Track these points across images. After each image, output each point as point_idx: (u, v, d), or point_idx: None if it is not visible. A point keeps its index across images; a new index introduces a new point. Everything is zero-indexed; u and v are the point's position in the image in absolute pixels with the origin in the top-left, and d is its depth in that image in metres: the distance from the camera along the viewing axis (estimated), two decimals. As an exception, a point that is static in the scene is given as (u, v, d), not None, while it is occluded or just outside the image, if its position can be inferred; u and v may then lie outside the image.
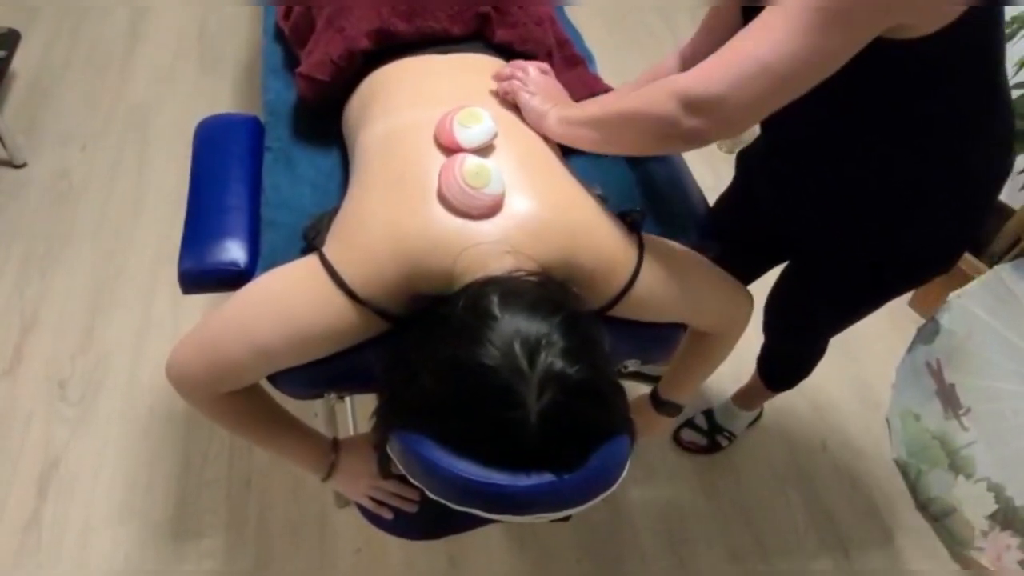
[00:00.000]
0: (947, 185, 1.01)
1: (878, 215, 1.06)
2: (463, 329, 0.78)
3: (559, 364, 0.74)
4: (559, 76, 1.33)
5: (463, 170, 0.88)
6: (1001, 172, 1.04)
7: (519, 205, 0.90)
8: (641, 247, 0.97)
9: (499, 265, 0.85)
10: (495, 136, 0.95)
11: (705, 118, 0.80)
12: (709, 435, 1.74)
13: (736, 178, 1.37)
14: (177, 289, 1.14)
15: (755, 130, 1.11)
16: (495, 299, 0.79)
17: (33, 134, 2.22)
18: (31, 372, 1.72)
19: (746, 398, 1.70)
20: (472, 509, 0.77)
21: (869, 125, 0.96)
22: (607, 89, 1.40)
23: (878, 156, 0.99)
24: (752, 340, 1.35)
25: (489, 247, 0.86)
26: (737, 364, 1.49)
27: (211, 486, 1.58)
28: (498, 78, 1.08)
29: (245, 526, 1.53)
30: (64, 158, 2.17)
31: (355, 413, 1.48)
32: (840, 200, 1.07)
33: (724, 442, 1.74)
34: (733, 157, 1.35)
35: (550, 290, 0.84)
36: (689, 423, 1.75)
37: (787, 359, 1.55)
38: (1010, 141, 1.03)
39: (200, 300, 1.79)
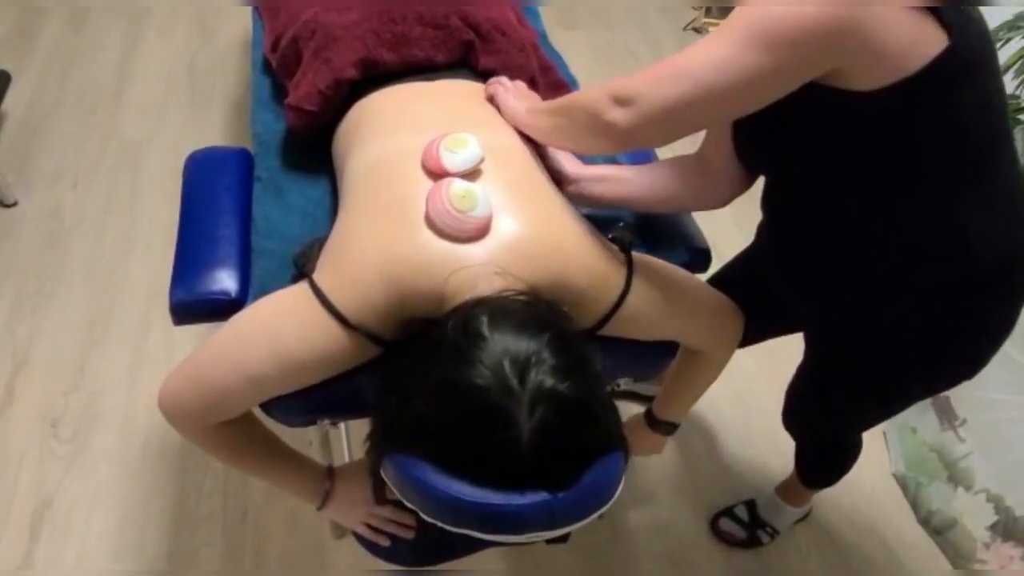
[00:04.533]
0: (948, 264, 0.93)
1: (874, 296, 1.01)
2: (453, 350, 0.78)
3: (549, 381, 0.74)
4: (544, 99, 1.35)
5: (450, 194, 0.89)
6: (1015, 254, 0.95)
7: (507, 227, 0.91)
8: (630, 266, 0.97)
9: (488, 286, 0.86)
10: (482, 161, 0.96)
11: (624, 111, 0.84)
12: (749, 529, 1.60)
13: (752, 245, 1.30)
14: (170, 325, 1.14)
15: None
16: (484, 319, 0.79)
17: (24, 173, 2.23)
18: (23, 411, 1.71)
19: (791, 492, 1.56)
20: (467, 530, 0.76)
21: (845, 190, 0.92)
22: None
23: (864, 224, 0.94)
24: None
25: (478, 269, 0.87)
26: (786, 448, 1.47)
27: (207, 521, 1.56)
28: (487, 87, 1.17)
29: (242, 560, 1.51)
30: (55, 196, 2.18)
31: (350, 440, 1.47)
32: (841, 280, 1.03)
33: (765, 538, 1.60)
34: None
35: (539, 309, 0.84)
36: (729, 512, 1.62)
37: (820, 457, 1.47)
38: (1018, 214, 0.94)
39: (193, 336, 1.79)
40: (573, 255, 0.92)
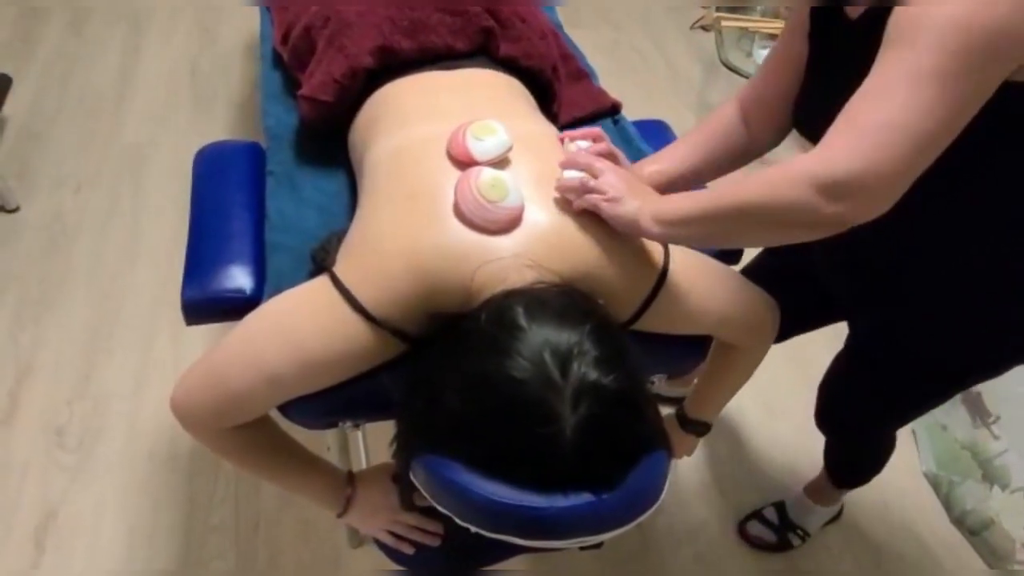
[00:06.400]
0: None
1: (958, 301, 0.96)
2: (489, 342, 0.74)
3: (593, 374, 0.70)
4: (565, 90, 1.31)
5: (479, 183, 0.85)
6: None
7: (538, 219, 0.87)
8: (665, 258, 0.93)
9: (519, 279, 0.82)
10: (510, 149, 0.93)
11: (850, 201, 0.70)
12: (779, 531, 1.55)
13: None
14: (177, 330, 1.10)
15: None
16: (520, 310, 0.75)
17: (25, 178, 2.19)
18: (27, 420, 1.66)
19: (820, 492, 1.51)
20: (506, 536, 0.72)
21: (966, 193, 0.85)
22: (614, 103, 1.38)
23: (976, 240, 0.88)
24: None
25: (509, 261, 0.83)
26: (813, 448, 1.44)
27: (218, 531, 1.51)
28: (561, 189, 0.90)
29: (254, 571, 1.46)
30: (57, 201, 2.13)
31: (367, 444, 1.42)
32: (921, 282, 0.97)
33: (796, 541, 1.54)
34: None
35: (576, 299, 0.80)
36: (757, 515, 1.57)
37: (852, 455, 1.42)
38: None
39: (202, 340, 1.74)
40: (607, 248, 0.88)
